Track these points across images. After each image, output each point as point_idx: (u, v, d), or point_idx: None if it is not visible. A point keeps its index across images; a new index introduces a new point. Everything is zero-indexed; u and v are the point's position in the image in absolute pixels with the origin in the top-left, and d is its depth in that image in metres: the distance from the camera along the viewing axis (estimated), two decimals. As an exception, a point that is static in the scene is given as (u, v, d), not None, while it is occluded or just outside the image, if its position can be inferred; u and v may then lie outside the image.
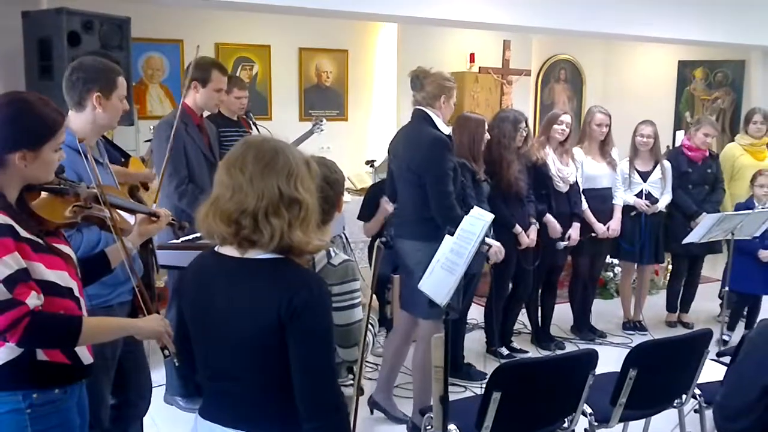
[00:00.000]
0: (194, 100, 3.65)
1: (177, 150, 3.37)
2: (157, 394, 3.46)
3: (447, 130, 3.55)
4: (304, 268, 1.72)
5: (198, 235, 3.05)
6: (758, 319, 4.99)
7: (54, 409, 1.95)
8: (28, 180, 1.97)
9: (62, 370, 1.96)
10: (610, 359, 3.22)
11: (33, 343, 1.87)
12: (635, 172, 5.03)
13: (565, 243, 4.72)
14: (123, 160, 3.86)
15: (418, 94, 3.53)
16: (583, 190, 4.84)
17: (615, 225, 4.93)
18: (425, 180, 3.44)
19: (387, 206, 4.61)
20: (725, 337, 4.84)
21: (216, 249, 1.77)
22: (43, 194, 2.07)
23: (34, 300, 1.81)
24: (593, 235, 4.87)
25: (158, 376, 3.70)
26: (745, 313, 5.23)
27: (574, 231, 4.73)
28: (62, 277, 1.95)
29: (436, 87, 3.49)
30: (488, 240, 3.76)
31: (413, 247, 3.49)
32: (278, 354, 1.64)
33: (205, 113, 3.88)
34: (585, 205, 4.83)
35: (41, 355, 1.91)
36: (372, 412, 3.82)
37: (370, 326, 2.10)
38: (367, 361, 4.39)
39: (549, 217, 4.63)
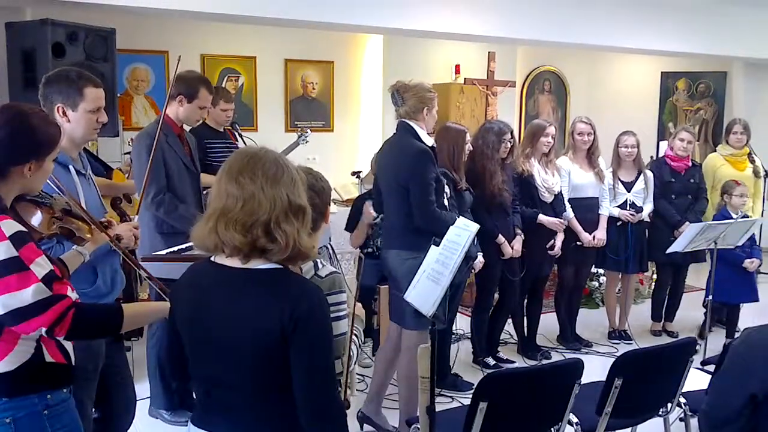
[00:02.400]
0: (176, 113, 3.58)
1: (156, 160, 3.35)
2: (142, 407, 3.42)
3: (430, 141, 3.59)
4: (303, 278, 1.74)
5: (182, 246, 3.03)
6: (738, 328, 5.06)
7: (65, 408, 1.97)
8: (25, 190, 1.99)
9: (65, 371, 1.98)
10: (595, 368, 3.22)
11: (80, 334, 1.90)
12: (619, 182, 5.07)
13: (558, 245, 4.73)
14: (106, 172, 3.85)
15: (400, 109, 3.55)
16: (570, 199, 4.87)
17: (601, 235, 4.95)
18: (410, 191, 3.47)
19: (370, 209, 4.62)
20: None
21: (212, 259, 1.75)
22: (24, 204, 2.06)
23: (72, 293, 1.85)
24: (578, 243, 4.90)
25: (143, 389, 3.67)
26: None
27: (558, 240, 4.75)
28: None
29: (418, 100, 3.51)
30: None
31: (400, 257, 3.51)
32: (278, 363, 1.64)
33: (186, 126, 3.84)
34: (571, 214, 4.86)
35: (48, 356, 1.92)
36: (362, 427, 3.77)
37: (355, 338, 2.10)
38: (358, 374, 4.39)
39: (542, 217, 4.65)
